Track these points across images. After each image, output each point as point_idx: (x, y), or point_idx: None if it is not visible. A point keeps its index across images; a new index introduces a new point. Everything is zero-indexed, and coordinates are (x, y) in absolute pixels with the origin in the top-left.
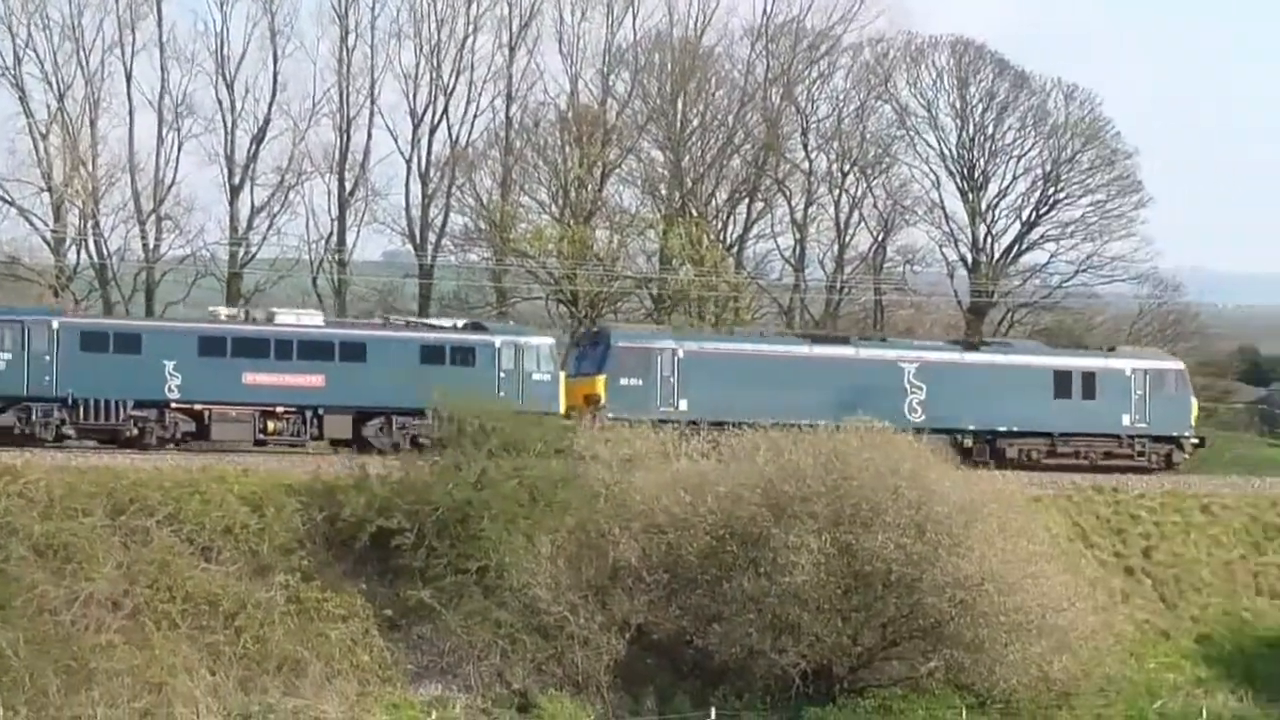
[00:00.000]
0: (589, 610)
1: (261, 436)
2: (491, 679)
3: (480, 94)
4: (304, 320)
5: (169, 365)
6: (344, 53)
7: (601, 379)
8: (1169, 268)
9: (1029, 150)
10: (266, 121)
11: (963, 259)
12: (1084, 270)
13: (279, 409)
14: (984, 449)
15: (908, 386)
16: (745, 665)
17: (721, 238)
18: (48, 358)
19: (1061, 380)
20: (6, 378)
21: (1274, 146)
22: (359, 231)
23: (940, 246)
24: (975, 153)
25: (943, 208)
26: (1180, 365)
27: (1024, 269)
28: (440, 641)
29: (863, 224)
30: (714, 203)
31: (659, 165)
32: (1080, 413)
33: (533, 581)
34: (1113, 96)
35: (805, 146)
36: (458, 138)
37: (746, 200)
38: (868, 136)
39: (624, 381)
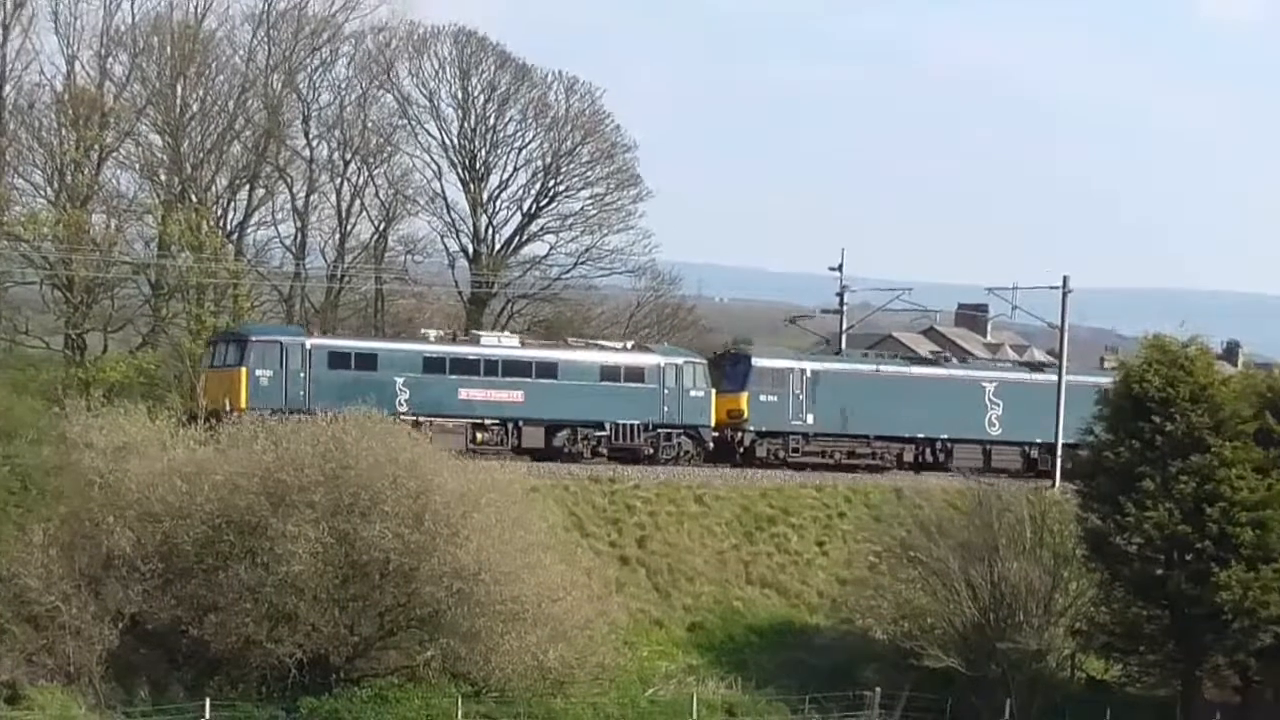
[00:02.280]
0: (81, 600)
1: (471, 447)
2: None
3: None
4: (504, 342)
5: (399, 381)
6: None
7: (744, 395)
8: (676, 261)
9: (530, 142)
10: None
11: (464, 250)
12: (583, 262)
13: (487, 421)
14: (1046, 459)
15: (988, 403)
16: (241, 655)
17: (222, 224)
18: (302, 374)
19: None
20: (270, 392)
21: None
22: None
23: (442, 237)
24: (477, 144)
25: (444, 198)
26: None
27: (524, 260)
28: None
29: (364, 213)
30: (214, 189)
31: (158, 150)
32: None
33: (23, 571)
34: (621, 96)
35: (307, 134)
36: None
37: (247, 187)
38: (369, 125)
39: (763, 398)
